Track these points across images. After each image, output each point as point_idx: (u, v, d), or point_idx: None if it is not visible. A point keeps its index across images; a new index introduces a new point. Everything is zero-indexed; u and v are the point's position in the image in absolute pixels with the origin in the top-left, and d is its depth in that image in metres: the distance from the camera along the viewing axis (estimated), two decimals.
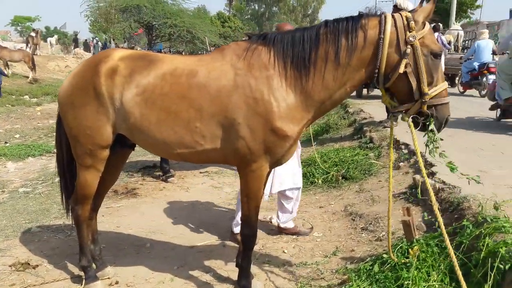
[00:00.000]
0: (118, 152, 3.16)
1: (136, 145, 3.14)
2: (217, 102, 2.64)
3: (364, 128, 7.69)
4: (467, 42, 16.25)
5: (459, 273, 2.45)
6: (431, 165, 4.71)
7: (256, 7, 68.89)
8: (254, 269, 3.45)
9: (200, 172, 6.66)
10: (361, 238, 3.93)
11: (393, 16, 2.48)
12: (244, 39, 2.90)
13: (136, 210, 5.01)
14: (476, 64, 11.72)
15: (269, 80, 2.61)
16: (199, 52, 33.48)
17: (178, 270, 3.55)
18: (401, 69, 2.42)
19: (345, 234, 4.13)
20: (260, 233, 4.20)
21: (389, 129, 2.98)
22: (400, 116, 2.69)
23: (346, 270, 3.33)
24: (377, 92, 10.61)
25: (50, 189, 5.77)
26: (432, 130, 2.54)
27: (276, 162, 2.88)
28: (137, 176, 6.40)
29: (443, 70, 2.54)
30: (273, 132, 2.62)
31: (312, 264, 3.59)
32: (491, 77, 10.44)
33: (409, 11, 2.52)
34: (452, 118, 2.68)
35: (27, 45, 26.73)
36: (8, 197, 5.57)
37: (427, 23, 2.46)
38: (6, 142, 9.62)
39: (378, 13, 2.56)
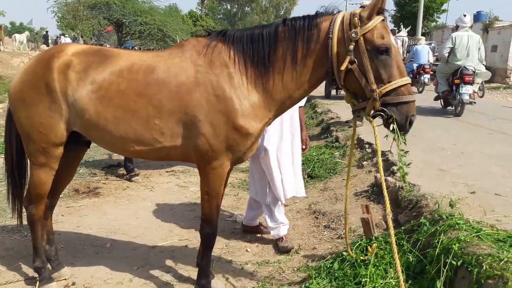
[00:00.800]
0: (73, 150, 3.06)
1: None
2: (177, 99, 2.60)
3: (331, 128, 7.80)
4: (410, 47, 18.28)
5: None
6: (393, 164, 4.81)
7: (229, 7, 68.79)
8: (216, 268, 3.43)
9: (166, 171, 6.57)
10: (323, 236, 3.97)
11: (343, 15, 2.46)
12: (204, 35, 2.86)
13: (98, 210, 4.89)
14: (415, 65, 13.76)
15: (230, 77, 2.59)
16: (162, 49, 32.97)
17: (138, 271, 3.48)
18: (343, 67, 2.38)
19: (308, 232, 4.15)
20: (224, 233, 4.19)
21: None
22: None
23: (307, 268, 3.36)
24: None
25: None
26: (393, 130, 2.44)
27: (237, 159, 2.86)
28: (100, 175, 6.25)
29: None
30: (235, 130, 2.60)
31: (274, 262, 3.60)
32: (426, 76, 13.26)
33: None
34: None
35: None
36: None
37: (375, 18, 2.38)
38: None
39: (335, 11, 2.55)
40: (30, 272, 3.35)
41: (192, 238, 4.11)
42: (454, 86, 8.82)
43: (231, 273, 3.44)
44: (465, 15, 9.02)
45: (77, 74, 2.69)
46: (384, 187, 2.55)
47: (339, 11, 2.55)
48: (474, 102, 8.92)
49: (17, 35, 31.97)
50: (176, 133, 2.67)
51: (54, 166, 2.93)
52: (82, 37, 32.33)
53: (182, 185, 5.96)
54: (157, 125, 2.65)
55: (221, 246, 3.90)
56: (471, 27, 9.21)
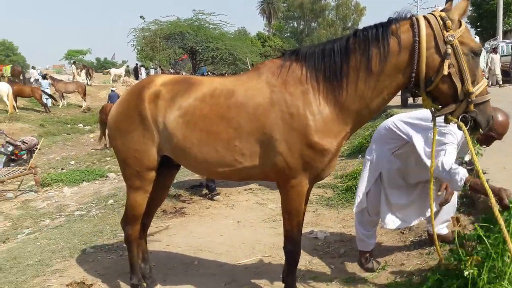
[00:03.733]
0: (165, 173, 3.27)
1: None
2: (254, 120, 2.68)
3: None
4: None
5: None
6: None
7: (295, 24, 69.43)
8: (300, 285, 3.42)
9: (245, 189, 6.73)
10: (411, 252, 3.80)
11: (426, 18, 2.41)
12: (278, 56, 2.94)
13: (184, 229, 5.13)
14: None
15: (304, 95, 2.61)
16: (242, 73, 34.06)
17: (225, 287, 3.58)
18: (445, 71, 2.34)
19: (394, 248, 4.00)
20: (305, 249, 4.18)
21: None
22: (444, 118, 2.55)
23: (396, 285, 3.23)
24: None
25: (103, 211, 6.03)
26: (475, 130, 2.46)
27: (316, 177, 2.86)
28: (185, 196, 6.57)
29: None
30: (310, 147, 2.61)
31: (360, 279, 3.51)
32: None
33: (441, 10, 2.43)
34: None
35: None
36: (65, 220, 5.88)
37: (463, 21, 2.38)
38: (62, 169, 10.21)
39: (408, 15, 2.50)
40: None
41: (275, 255, 4.15)
42: None
43: None
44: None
45: (166, 102, 2.90)
46: (485, 182, 2.42)
47: (412, 15, 2.50)
48: None
49: (112, 69, 35.00)
50: (255, 153, 2.74)
51: (148, 189, 3.15)
52: (160, 66, 34.43)
53: (260, 202, 6.07)
54: (237, 146, 2.74)
55: (304, 263, 3.89)
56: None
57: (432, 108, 2.54)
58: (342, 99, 2.58)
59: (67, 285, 3.71)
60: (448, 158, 2.94)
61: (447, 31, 2.33)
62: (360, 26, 2.80)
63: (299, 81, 2.64)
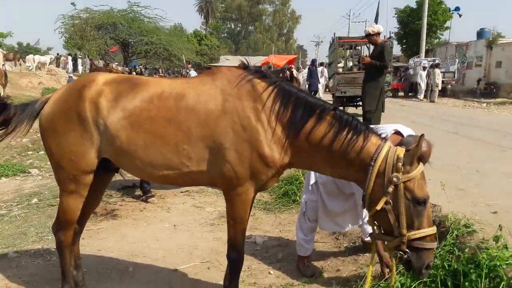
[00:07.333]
0: (101, 177, 3.10)
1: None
2: (205, 125, 2.66)
3: None
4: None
5: None
6: None
7: (232, 26, 69.74)
8: None
9: (181, 192, 6.58)
10: (346, 258, 3.96)
11: (388, 150, 2.48)
12: (236, 66, 2.90)
13: (117, 232, 4.90)
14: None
15: (257, 111, 2.63)
16: (176, 69, 33.61)
17: None
18: (379, 206, 2.44)
19: (330, 253, 4.15)
20: (245, 254, 4.18)
21: None
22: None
23: None
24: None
25: (27, 211, 5.57)
26: (410, 272, 2.64)
27: (261, 186, 2.90)
28: (116, 197, 6.27)
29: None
30: (261, 158, 2.64)
31: (298, 284, 3.59)
32: None
33: (406, 149, 2.48)
34: None
35: None
36: None
37: (419, 167, 2.45)
38: None
39: (383, 135, 2.61)
40: None
41: (214, 261, 4.11)
42: None
43: None
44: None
45: (109, 103, 2.75)
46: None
47: (385, 138, 2.60)
48: None
49: (36, 56, 31.30)
50: (203, 159, 2.71)
51: (83, 193, 2.97)
52: (88, 56, 32.72)
53: (197, 205, 5.97)
54: (186, 150, 2.70)
55: (244, 268, 3.85)
56: None
57: (373, 228, 2.66)
58: (291, 149, 2.68)
59: None
60: None
61: (396, 172, 2.41)
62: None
63: (257, 99, 2.65)
